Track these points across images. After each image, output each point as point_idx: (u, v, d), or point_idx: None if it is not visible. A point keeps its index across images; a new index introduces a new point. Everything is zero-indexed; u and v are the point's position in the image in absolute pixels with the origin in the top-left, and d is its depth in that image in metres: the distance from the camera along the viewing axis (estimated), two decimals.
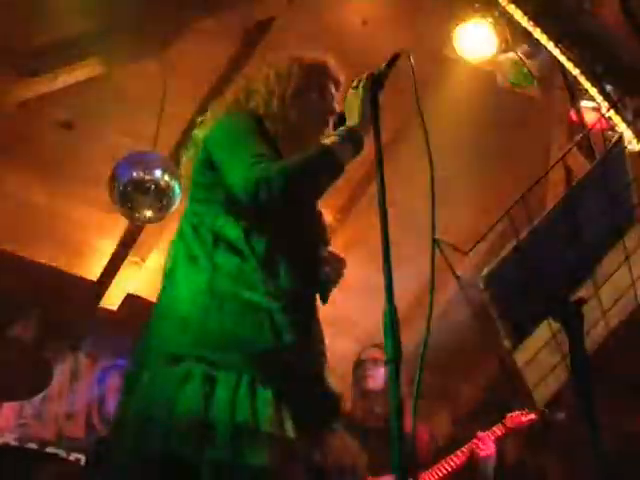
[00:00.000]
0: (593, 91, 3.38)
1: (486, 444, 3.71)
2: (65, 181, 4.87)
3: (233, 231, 1.87)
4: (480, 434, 3.76)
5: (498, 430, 3.81)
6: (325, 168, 1.91)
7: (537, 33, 3.29)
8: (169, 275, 1.93)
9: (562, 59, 3.34)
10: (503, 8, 3.37)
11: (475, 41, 3.79)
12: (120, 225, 5.11)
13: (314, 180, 1.90)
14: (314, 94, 2.15)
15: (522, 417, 3.84)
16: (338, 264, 2.04)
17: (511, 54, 3.72)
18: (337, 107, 2.16)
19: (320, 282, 1.99)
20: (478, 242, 1.44)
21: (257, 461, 1.63)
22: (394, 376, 1.59)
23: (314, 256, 1.99)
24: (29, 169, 4.77)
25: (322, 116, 2.13)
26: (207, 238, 1.88)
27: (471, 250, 1.44)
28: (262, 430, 1.66)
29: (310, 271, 1.96)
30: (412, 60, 1.90)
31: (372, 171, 4.92)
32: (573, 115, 3.96)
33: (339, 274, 2.04)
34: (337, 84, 2.22)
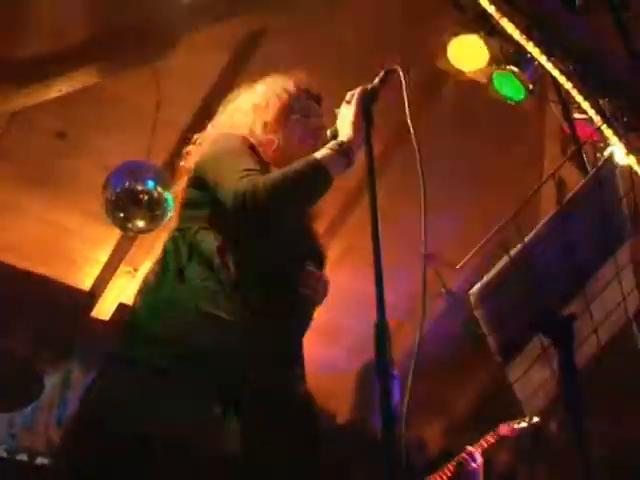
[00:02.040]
0: (585, 105, 3.40)
1: (474, 458, 3.73)
2: (58, 190, 4.87)
3: (209, 246, 1.89)
4: (468, 448, 3.77)
5: (490, 438, 3.85)
6: (312, 181, 1.92)
7: (529, 47, 3.31)
8: (142, 288, 1.97)
9: (554, 73, 3.36)
10: (496, 21, 3.39)
11: (468, 54, 3.81)
12: (113, 235, 5.11)
13: (300, 192, 1.92)
14: (296, 116, 2.17)
15: (514, 426, 3.88)
16: (320, 285, 2.03)
17: (504, 67, 3.73)
18: (322, 123, 2.17)
19: (298, 302, 1.99)
20: (468, 257, 1.45)
21: (195, 473, 1.66)
22: (385, 390, 1.60)
23: (292, 276, 1.98)
24: (22, 178, 4.77)
25: (308, 138, 2.15)
26: (183, 252, 1.91)
27: (461, 265, 1.44)
28: (201, 439, 1.69)
29: (286, 291, 1.96)
30: (403, 76, 1.91)
31: (362, 185, 4.92)
32: (566, 128, 3.97)
33: (319, 294, 2.04)
34: (317, 99, 2.26)
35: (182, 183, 2.10)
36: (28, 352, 4.69)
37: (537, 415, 3.83)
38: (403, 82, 1.92)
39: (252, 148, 2.03)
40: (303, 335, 2.04)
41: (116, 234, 5.07)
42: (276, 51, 4.48)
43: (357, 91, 2.05)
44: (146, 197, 4.15)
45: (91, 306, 5.37)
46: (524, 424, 3.89)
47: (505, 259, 1.55)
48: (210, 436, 1.71)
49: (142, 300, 1.94)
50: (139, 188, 4.14)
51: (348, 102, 2.06)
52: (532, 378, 1.82)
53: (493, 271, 1.56)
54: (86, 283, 5.37)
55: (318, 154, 1.96)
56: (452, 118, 4.72)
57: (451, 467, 3.77)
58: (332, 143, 2.00)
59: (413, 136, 1.85)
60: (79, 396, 1.98)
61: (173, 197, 2.19)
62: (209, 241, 1.90)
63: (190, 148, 2.19)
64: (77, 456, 1.76)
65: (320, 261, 2.11)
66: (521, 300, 1.62)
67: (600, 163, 1.63)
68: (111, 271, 5.33)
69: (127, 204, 4.16)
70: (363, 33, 4.49)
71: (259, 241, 1.93)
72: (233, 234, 1.91)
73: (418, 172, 1.83)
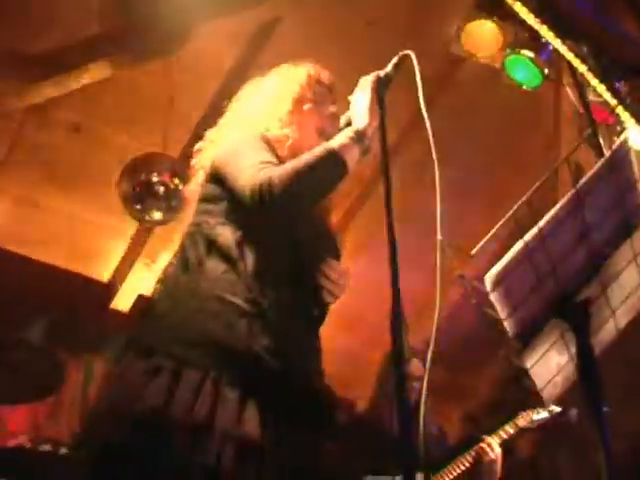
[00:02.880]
0: (601, 88, 3.36)
1: (492, 448, 3.69)
2: (75, 184, 4.89)
3: (227, 240, 1.91)
4: (486, 438, 3.73)
5: (510, 428, 3.79)
6: (329, 169, 1.92)
7: (543, 30, 3.29)
8: (162, 280, 1.99)
9: (569, 56, 3.33)
10: (509, 6, 3.36)
11: (482, 39, 3.79)
12: (130, 227, 5.13)
13: (317, 181, 1.92)
14: (309, 106, 2.17)
15: (534, 416, 3.82)
16: (341, 278, 2.04)
17: (518, 51, 3.71)
18: (335, 112, 2.17)
19: (317, 295, 1.99)
20: (482, 243, 1.44)
21: (209, 459, 1.67)
22: (400, 379, 1.60)
23: (312, 269, 1.99)
24: (39, 172, 4.80)
25: (322, 127, 2.16)
26: (201, 245, 1.93)
27: (475, 251, 1.44)
28: (219, 428, 1.69)
29: (306, 283, 1.97)
30: (416, 61, 1.91)
31: (379, 171, 4.91)
32: (582, 112, 3.94)
33: (340, 288, 2.04)
34: (330, 87, 2.25)
35: (194, 181, 2.12)
36: (49, 344, 4.74)
37: (556, 402, 3.77)
38: (416, 68, 1.92)
39: (267, 142, 2.04)
40: (320, 325, 2.05)
41: (133, 226, 5.09)
42: (288, 41, 4.48)
43: (370, 78, 2.05)
44: (162, 188, 4.18)
45: (110, 298, 5.40)
46: (544, 414, 3.81)
47: (520, 243, 1.55)
48: (229, 423, 1.71)
49: (162, 290, 1.96)
50: (155, 180, 4.16)
51: (361, 89, 2.06)
52: (550, 363, 1.81)
53: (508, 255, 1.55)
54: (105, 275, 5.40)
55: (333, 142, 1.96)
56: (467, 104, 4.69)
57: (469, 457, 3.74)
58: (346, 130, 2.00)
59: (427, 121, 1.85)
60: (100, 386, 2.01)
61: (188, 193, 2.19)
62: (227, 235, 1.92)
63: (201, 145, 2.20)
64: (95, 445, 1.78)
65: (337, 254, 2.12)
66: (536, 284, 1.61)
67: (615, 145, 1.62)
68: (129, 263, 5.36)
69: (143, 196, 4.18)
70: (376, 21, 4.47)
71: (277, 233, 1.94)
72: (251, 227, 1.92)
73: (433, 158, 1.83)
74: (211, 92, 4.69)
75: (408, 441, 1.54)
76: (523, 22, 3.46)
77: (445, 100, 4.55)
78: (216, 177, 2.00)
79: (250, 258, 1.88)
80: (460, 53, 3.95)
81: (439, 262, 1.61)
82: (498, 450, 3.70)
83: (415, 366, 3.90)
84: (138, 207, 4.22)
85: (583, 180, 1.61)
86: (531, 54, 3.65)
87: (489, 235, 1.44)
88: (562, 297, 1.67)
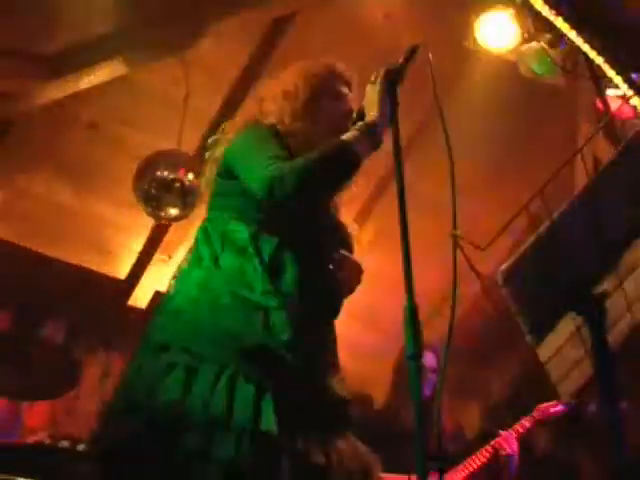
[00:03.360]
0: (618, 79, 3.32)
1: (509, 443, 3.67)
2: (91, 181, 4.91)
3: (242, 235, 1.91)
4: (503, 432, 3.72)
5: (526, 422, 3.78)
6: (340, 163, 1.92)
7: (558, 22, 3.25)
8: (177, 276, 1.98)
9: (585, 48, 3.29)
10: None
11: (497, 32, 3.75)
12: (147, 223, 5.14)
13: (329, 175, 1.92)
14: (326, 102, 2.16)
15: (551, 408, 3.80)
16: (354, 271, 2.03)
17: (534, 44, 3.67)
18: (352, 108, 2.16)
19: (331, 288, 1.99)
20: (496, 237, 1.43)
21: (227, 454, 1.66)
22: (415, 373, 1.59)
23: (326, 262, 1.99)
24: (55, 170, 4.82)
25: (338, 122, 2.13)
26: (216, 241, 1.93)
27: (489, 245, 1.43)
28: (236, 424, 1.68)
29: (320, 277, 1.96)
30: (430, 54, 1.89)
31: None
32: (599, 104, 3.89)
33: (354, 281, 2.03)
34: (348, 85, 2.23)
35: (210, 173, 2.11)
36: (67, 341, 4.78)
37: (573, 396, 3.74)
38: (430, 59, 1.90)
39: (279, 136, 2.03)
40: (335, 319, 2.04)
41: (150, 222, 5.10)
42: (303, 37, 4.47)
43: (382, 71, 2.04)
44: (178, 185, 4.19)
45: (127, 295, 5.42)
46: (561, 407, 3.80)
47: (533, 237, 1.53)
48: (245, 419, 1.70)
49: (177, 286, 1.96)
50: (171, 176, 4.17)
51: (373, 82, 2.05)
52: (565, 358, 1.79)
53: (521, 249, 1.54)
54: (122, 272, 5.42)
55: (345, 136, 1.95)
56: (482, 98, 4.66)
57: (486, 452, 3.73)
58: (359, 124, 2.00)
59: (441, 114, 1.84)
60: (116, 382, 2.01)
61: (202, 187, 2.20)
62: (241, 230, 1.92)
63: (217, 137, 2.20)
64: (111, 440, 1.78)
65: (350, 247, 2.12)
66: (550, 278, 1.60)
67: (629, 136, 1.60)
68: (146, 259, 5.37)
69: (159, 193, 4.20)
70: (391, 14, 4.45)
71: (290, 228, 1.94)
72: (265, 222, 1.92)
73: (446, 152, 1.82)
74: (226, 88, 4.69)
75: (422, 436, 1.54)
76: (539, 14, 3.43)
77: (461, 93, 4.52)
78: (228, 171, 2.00)
79: (265, 253, 1.88)
80: (476, 46, 3.92)
81: (454, 257, 1.60)
82: (515, 444, 3.69)
83: (430, 359, 3.89)
84: (154, 204, 4.23)
85: (597, 172, 1.59)
86: (547, 46, 3.61)
87: (502, 229, 1.42)
88: (577, 291, 1.65)
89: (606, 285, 1.72)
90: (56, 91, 4.27)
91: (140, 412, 1.72)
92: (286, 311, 1.84)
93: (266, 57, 4.60)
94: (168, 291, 1.99)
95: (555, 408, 3.78)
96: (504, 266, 1.54)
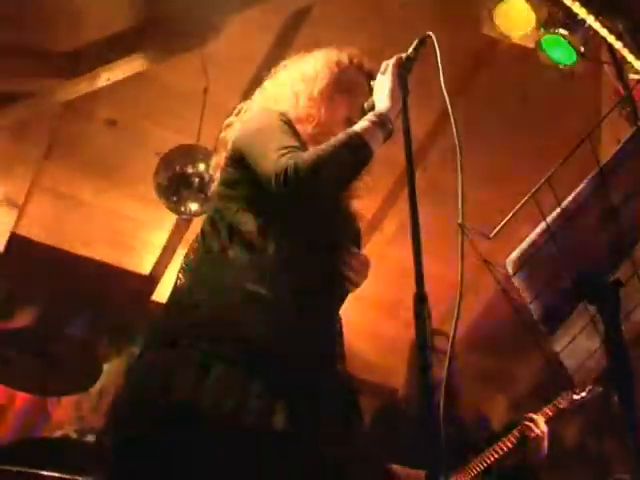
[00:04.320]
0: (638, 64, 3.27)
1: (537, 424, 3.64)
2: (113, 177, 4.95)
3: (250, 227, 1.87)
4: (530, 415, 3.70)
5: (549, 410, 3.75)
6: (353, 154, 1.89)
7: (575, 7, 3.20)
8: (184, 267, 1.96)
9: (603, 32, 3.24)
10: None
11: (515, 19, 3.71)
12: (169, 218, 5.17)
13: (341, 166, 1.88)
14: (343, 92, 2.14)
15: (574, 396, 3.77)
16: (362, 266, 2.01)
17: (552, 31, 3.61)
18: (369, 100, 2.13)
19: (338, 282, 1.97)
20: (502, 226, 1.41)
21: (240, 452, 1.65)
22: (424, 365, 1.58)
23: (334, 257, 1.97)
24: (77, 168, 4.87)
25: (354, 112, 2.10)
26: (224, 232, 1.89)
27: (495, 234, 1.41)
28: (249, 422, 1.66)
29: (328, 271, 1.95)
30: (436, 45, 1.88)
31: (419, 153, 4.85)
32: (621, 90, 3.83)
33: (361, 276, 2.01)
34: (369, 76, 2.18)
35: (219, 157, 2.09)
36: (91, 337, 4.82)
37: (595, 384, 3.70)
38: (437, 50, 1.89)
39: (290, 124, 2.00)
40: (339, 311, 2.03)
41: (172, 218, 5.13)
42: (321, 30, 4.45)
43: (392, 61, 2.03)
44: (197, 180, 4.19)
45: (151, 290, 5.46)
46: (583, 394, 3.76)
47: (542, 225, 1.51)
48: (257, 416, 1.69)
49: (186, 279, 1.93)
50: (190, 171, 4.18)
51: (383, 73, 2.03)
52: (580, 347, 1.76)
53: (530, 238, 1.52)
54: (145, 268, 5.46)
55: (357, 127, 1.93)
56: (502, 86, 4.61)
57: (512, 438, 3.70)
58: (370, 115, 1.97)
59: (448, 104, 1.83)
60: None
61: (211, 170, 2.18)
62: (250, 222, 1.88)
63: (232, 119, 2.17)
64: (121, 434, 1.77)
65: (358, 241, 2.10)
66: (561, 267, 1.57)
67: None
68: (169, 255, 5.40)
69: (179, 188, 4.21)
70: (409, 2, 4.41)
71: (300, 220, 1.92)
72: (274, 214, 1.89)
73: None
74: (245, 82, 4.67)
75: (432, 426, 1.52)
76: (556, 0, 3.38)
77: (480, 82, 4.48)
78: (237, 161, 1.96)
79: (273, 246, 1.85)
80: (493, 34, 3.87)
81: (461, 247, 1.58)
82: (544, 426, 3.65)
83: (442, 342, 3.86)
84: (174, 199, 4.25)
85: (608, 159, 1.56)
86: (566, 32, 3.56)
87: (508, 217, 1.40)
88: (590, 280, 1.62)
89: (620, 273, 1.70)
90: (76, 89, 4.30)
91: (153, 408, 1.70)
92: (295, 307, 1.82)
93: (285, 50, 4.58)
94: (176, 283, 1.96)
95: (577, 396, 3.75)
96: (513, 255, 1.52)
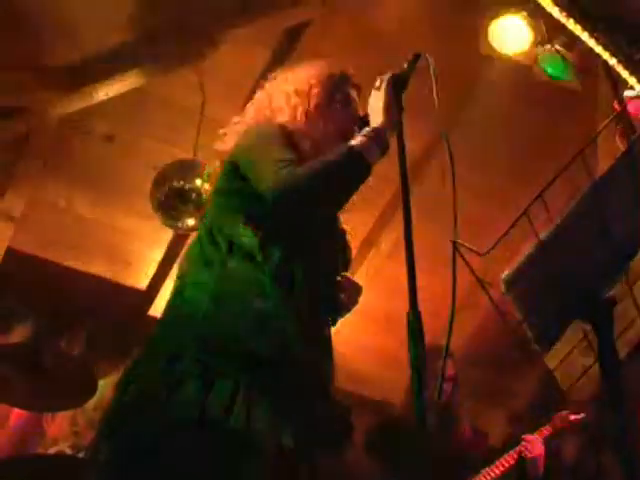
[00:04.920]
0: (632, 80, 3.27)
1: (534, 445, 3.63)
2: (110, 192, 4.94)
3: (249, 240, 1.87)
4: (527, 436, 3.68)
5: (546, 430, 3.73)
6: (352, 169, 1.91)
7: (570, 24, 3.21)
8: (181, 277, 1.95)
9: (598, 49, 3.25)
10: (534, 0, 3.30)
11: (510, 36, 3.72)
12: (166, 233, 5.16)
13: (340, 181, 1.90)
14: (337, 105, 2.15)
15: (571, 416, 3.75)
16: (353, 291, 2.01)
17: (548, 47, 3.63)
18: (360, 113, 2.15)
19: (332, 304, 1.97)
20: (496, 244, 1.41)
21: (246, 469, 1.63)
22: (417, 383, 1.58)
23: (329, 276, 1.98)
24: (74, 182, 4.86)
25: (348, 125, 2.12)
26: (223, 244, 1.89)
27: (488, 252, 1.40)
28: (253, 438, 1.65)
29: (323, 289, 1.94)
30: (430, 61, 1.89)
31: (415, 169, 4.85)
32: (617, 106, 3.84)
33: (352, 301, 2.01)
34: (358, 90, 2.23)
35: (214, 167, 2.10)
36: (87, 352, 4.79)
37: (584, 403, 3.68)
38: (430, 66, 1.90)
39: (288, 137, 2.00)
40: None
41: (169, 232, 5.12)
42: (318, 45, 4.46)
43: (386, 77, 2.04)
44: (194, 195, 4.19)
45: (148, 305, 5.44)
46: (582, 414, 3.74)
47: (535, 243, 1.50)
48: (261, 432, 1.68)
49: (186, 291, 1.90)
50: (187, 186, 4.17)
51: (377, 88, 2.04)
52: (574, 365, 1.76)
53: (523, 256, 1.51)
54: (142, 282, 5.44)
55: (353, 142, 1.94)
56: (500, 103, 4.62)
57: (509, 459, 3.68)
58: (365, 130, 1.98)
59: (439, 120, 1.83)
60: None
61: (207, 177, 2.19)
62: (249, 235, 1.88)
63: (227, 129, 2.18)
64: (120, 449, 1.74)
65: (348, 264, 2.11)
66: (555, 284, 1.56)
67: (634, 138, 1.57)
68: (166, 270, 5.38)
69: (176, 203, 4.20)
70: (404, 22, 4.42)
71: (298, 234, 1.91)
72: (273, 228, 1.88)
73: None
74: (243, 97, 4.68)
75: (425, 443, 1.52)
76: (552, 16, 3.39)
77: (478, 99, 4.49)
78: (234, 173, 1.96)
79: (274, 258, 1.85)
80: (490, 51, 3.88)
81: (453, 264, 1.58)
82: (541, 447, 3.64)
83: (449, 367, 3.86)
84: (171, 214, 4.24)
85: (600, 175, 1.55)
86: (562, 49, 3.57)
87: (501, 236, 1.40)
88: (583, 297, 1.62)
89: (616, 291, 1.69)
90: (73, 104, 4.31)
91: (154, 422, 1.68)
92: (295, 322, 1.82)
93: (280, 65, 4.59)
94: (174, 293, 1.93)
95: (575, 416, 3.73)
96: (506, 273, 1.51)
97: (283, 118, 2.09)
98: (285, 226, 1.89)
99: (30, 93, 4.14)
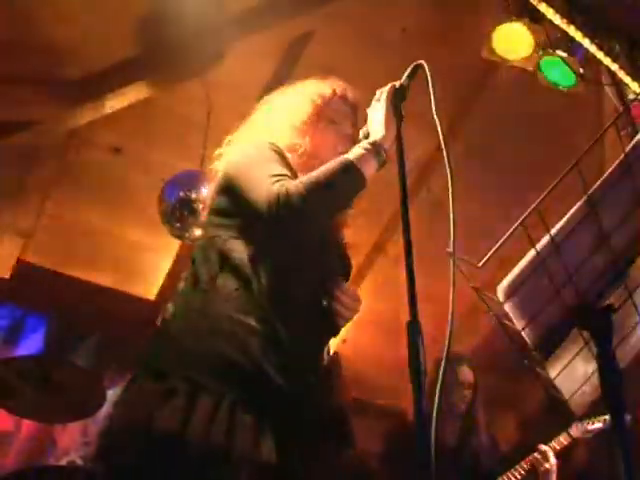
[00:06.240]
0: (634, 85, 3.27)
1: (547, 457, 3.58)
2: (119, 203, 4.98)
3: (240, 256, 1.87)
4: (541, 447, 3.63)
5: (563, 439, 3.68)
6: (346, 181, 1.90)
7: (571, 30, 3.21)
8: (175, 296, 1.96)
9: (599, 55, 3.25)
10: (536, 7, 3.30)
11: (514, 43, 3.72)
12: (175, 244, 5.19)
13: (335, 193, 1.90)
14: (327, 122, 2.18)
15: (588, 426, 3.70)
16: (352, 301, 2.01)
17: (551, 53, 3.63)
18: (353, 130, 2.16)
19: (329, 317, 1.96)
20: (491, 254, 1.41)
21: None
22: (418, 393, 1.58)
23: (325, 291, 1.96)
24: (83, 195, 4.90)
25: (338, 143, 2.14)
26: (214, 261, 1.89)
27: (484, 263, 1.41)
28: (236, 454, 1.66)
29: (317, 305, 1.94)
30: (429, 72, 1.90)
31: (421, 178, 4.85)
32: (621, 110, 3.83)
33: (351, 311, 2.00)
34: (353, 107, 2.24)
35: (210, 188, 2.11)
36: (95, 363, 4.82)
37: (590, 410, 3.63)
38: (429, 77, 1.90)
39: (281, 154, 2.02)
40: (328, 344, 2.02)
41: (178, 242, 5.15)
42: (322, 55, 4.49)
43: (386, 89, 2.04)
44: (201, 206, 4.20)
45: (157, 316, 5.45)
46: (598, 424, 3.68)
47: (532, 252, 1.51)
48: (245, 448, 1.69)
49: (175, 310, 1.92)
50: (193, 197, 4.19)
51: (377, 100, 2.05)
52: (575, 373, 1.75)
53: (520, 265, 1.52)
54: (152, 293, 5.47)
55: (350, 154, 1.95)
56: (503, 110, 4.62)
57: (524, 467, 3.65)
58: (364, 142, 1.99)
59: (440, 131, 1.84)
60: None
61: (205, 198, 2.20)
62: (240, 250, 1.87)
63: (222, 150, 2.20)
64: (109, 465, 1.76)
65: (348, 274, 2.10)
66: (553, 293, 1.56)
67: (630, 145, 1.57)
68: (175, 280, 5.40)
69: (183, 213, 4.22)
70: (409, 30, 4.44)
71: (291, 251, 1.91)
72: (264, 244, 1.89)
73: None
74: (247, 108, 4.70)
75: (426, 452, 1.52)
76: (554, 22, 3.39)
77: (481, 107, 4.49)
78: (227, 189, 1.97)
79: (263, 276, 1.84)
80: (493, 58, 3.88)
81: (453, 274, 1.59)
82: (553, 460, 3.59)
83: (466, 373, 3.83)
84: (178, 225, 4.26)
85: (597, 183, 1.56)
86: (564, 54, 3.57)
87: (497, 245, 1.40)
88: (582, 305, 1.62)
89: (615, 299, 1.69)
90: (81, 116, 4.34)
91: (139, 438, 1.69)
92: (283, 337, 1.81)
93: (285, 76, 4.61)
94: (165, 315, 1.96)
95: (592, 426, 3.67)
96: (504, 282, 1.51)
97: (275, 136, 2.10)
98: (277, 240, 1.88)
99: (39, 107, 4.17)
